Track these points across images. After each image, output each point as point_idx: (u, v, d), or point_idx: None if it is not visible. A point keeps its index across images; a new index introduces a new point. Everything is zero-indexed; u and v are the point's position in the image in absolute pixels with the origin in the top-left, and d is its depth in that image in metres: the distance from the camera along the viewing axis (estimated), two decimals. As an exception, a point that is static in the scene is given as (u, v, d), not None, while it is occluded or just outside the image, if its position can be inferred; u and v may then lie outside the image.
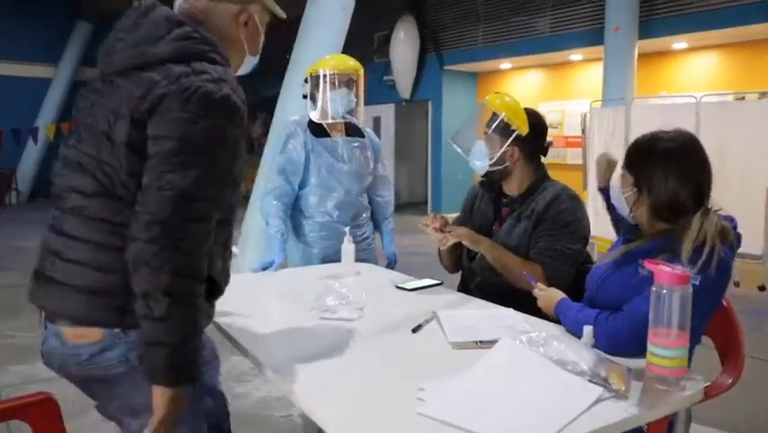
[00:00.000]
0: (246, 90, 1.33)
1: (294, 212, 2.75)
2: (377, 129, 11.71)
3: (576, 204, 2.10)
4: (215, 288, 1.34)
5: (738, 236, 1.55)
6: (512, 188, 2.20)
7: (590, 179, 7.02)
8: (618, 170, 1.71)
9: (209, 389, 1.53)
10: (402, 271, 2.55)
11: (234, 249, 1.60)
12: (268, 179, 2.71)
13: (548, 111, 9.63)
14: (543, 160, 2.22)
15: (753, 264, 5.70)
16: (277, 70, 5.98)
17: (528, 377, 1.27)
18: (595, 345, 1.43)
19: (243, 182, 1.42)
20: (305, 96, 2.71)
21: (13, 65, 13.52)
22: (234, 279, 1.47)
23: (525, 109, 2.16)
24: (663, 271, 1.25)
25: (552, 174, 2.22)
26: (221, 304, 1.44)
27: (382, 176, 2.92)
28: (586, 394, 1.20)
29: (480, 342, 1.53)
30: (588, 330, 1.42)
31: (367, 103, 2.92)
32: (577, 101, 9.47)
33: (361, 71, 2.72)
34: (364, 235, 2.82)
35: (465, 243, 2.16)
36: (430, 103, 11.52)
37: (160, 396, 1.20)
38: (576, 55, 9.56)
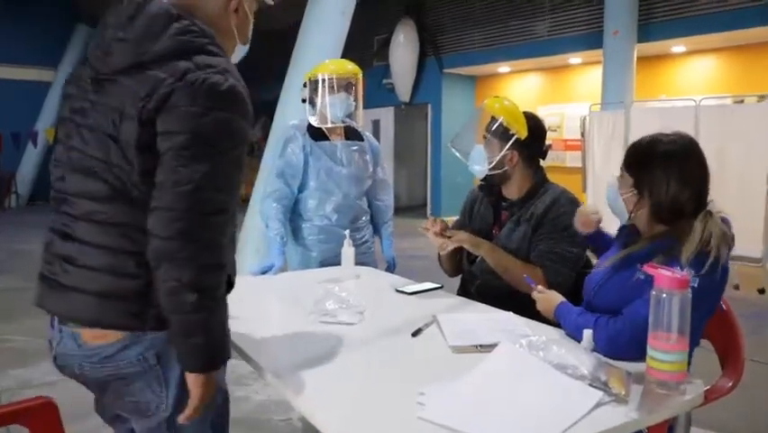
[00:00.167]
0: None
1: (293, 215, 2.75)
2: (376, 132, 11.72)
3: (576, 207, 2.09)
4: (228, 281, 1.35)
5: (732, 238, 1.56)
6: (511, 191, 2.20)
7: (590, 181, 7.04)
8: (617, 172, 1.71)
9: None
10: (402, 275, 2.55)
11: None
12: (267, 182, 2.72)
13: (547, 114, 9.65)
14: (542, 163, 2.22)
15: (752, 267, 5.71)
16: (276, 74, 6.00)
17: (528, 381, 1.27)
18: (595, 349, 1.43)
19: (243, 185, 1.42)
20: (304, 101, 2.72)
21: (12, 68, 13.55)
22: (234, 282, 1.47)
23: (524, 113, 2.17)
24: (663, 275, 1.25)
25: (551, 177, 2.23)
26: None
27: (382, 180, 2.92)
28: (586, 398, 1.20)
29: (480, 346, 1.53)
30: (588, 334, 1.42)
31: (366, 106, 2.93)
32: (576, 104, 9.49)
33: (360, 75, 2.72)
34: (364, 239, 2.82)
35: (466, 246, 2.16)
36: (429, 106, 11.53)
37: (195, 382, 1.23)
38: (575, 58, 9.58)
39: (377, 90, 11.31)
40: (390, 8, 11.20)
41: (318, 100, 2.66)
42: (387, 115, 12.18)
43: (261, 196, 2.71)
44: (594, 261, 1.92)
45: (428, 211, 11.66)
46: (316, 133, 2.71)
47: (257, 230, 2.71)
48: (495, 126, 2.14)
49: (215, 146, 1.20)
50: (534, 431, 1.13)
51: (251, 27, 1.48)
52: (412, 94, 11.49)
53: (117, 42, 1.27)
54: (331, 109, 2.65)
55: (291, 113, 5.05)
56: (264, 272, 2.51)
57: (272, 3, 1.53)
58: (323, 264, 2.70)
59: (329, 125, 2.69)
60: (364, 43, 11.48)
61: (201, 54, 1.25)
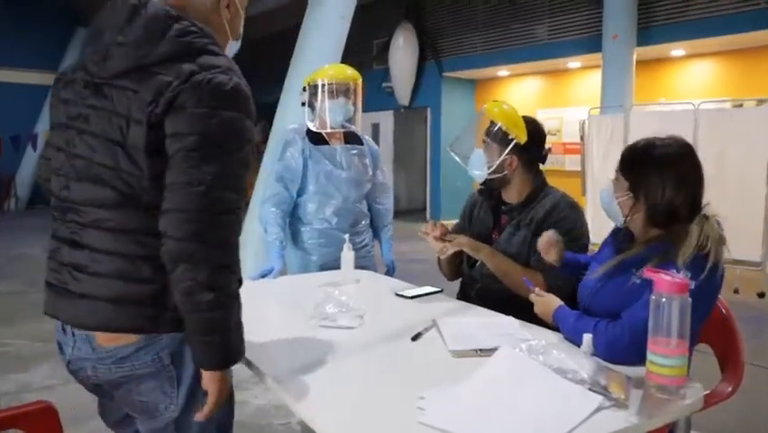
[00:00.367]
0: None
1: (292, 219, 2.75)
2: (375, 136, 11.73)
3: (575, 212, 2.10)
4: (239, 278, 1.35)
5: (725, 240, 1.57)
6: (511, 195, 2.20)
7: (589, 185, 7.04)
8: (611, 175, 1.71)
9: None
10: (401, 278, 2.55)
11: None
12: (266, 186, 2.72)
13: (546, 118, 9.66)
14: (541, 167, 2.23)
15: (752, 271, 5.71)
16: (276, 77, 6.01)
17: (528, 386, 1.27)
18: (594, 354, 1.43)
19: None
20: (303, 104, 2.72)
21: (12, 72, 13.56)
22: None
23: (524, 117, 2.17)
24: (663, 280, 1.25)
25: (550, 181, 2.23)
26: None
27: (381, 183, 2.92)
28: (586, 403, 1.20)
29: (480, 350, 1.53)
30: (587, 338, 1.42)
31: (366, 110, 2.93)
32: (575, 108, 9.50)
33: (360, 80, 2.73)
34: (363, 243, 2.82)
35: (466, 250, 2.16)
36: (429, 109, 11.55)
37: (211, 379, 1.25)
38: (574, 62, 9.60)
39: (376, 94, 11.32)
40: (390, 12, 11.22)
41: (317, 105, 2.67)
42: (386, 119, 12.19)
43: (260, 200, 2.71)
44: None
45: (428, 215, 11.67)
46: (316, 137, 2.71)
47: (256, 234, 2.71)
48: (494, 131, 2.14)
49: (224, 146, 1.21)
50: (535, 436, 1.13)
51: (242, 23, 1.48)
52: (411, 97, 11.51)
53: (116, 47, 1.26)
54: (330, 114, 2.65)
55: (291, 116, 5.05)
56: (264, 276, 2.51)
57: None
58: (323, 268, 2.70)
59: (328, 130, 2.70)
60: (364, 47, 11.51)
61: (204, 55, 1.26)
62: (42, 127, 13.28)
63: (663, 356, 1.25)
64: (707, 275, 1.44)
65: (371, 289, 2.33)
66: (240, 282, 1.30)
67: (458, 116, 11.06)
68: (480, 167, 2.17)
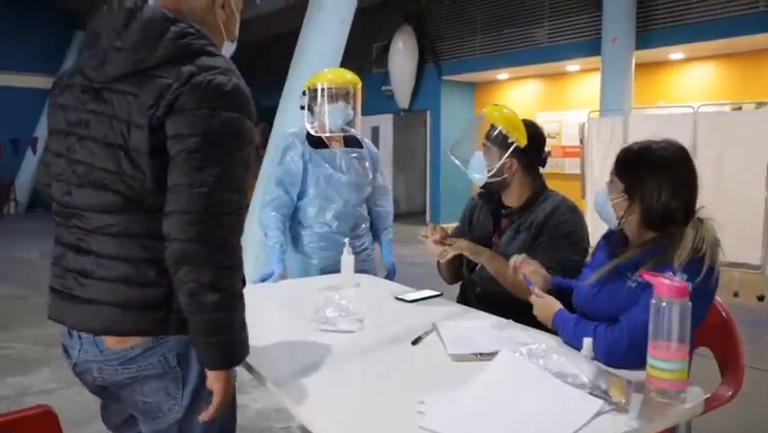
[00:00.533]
0: None
1: (292, 223, 2.75)
2: (375, 139, 11.73)
3: (576, 216, 2.10)
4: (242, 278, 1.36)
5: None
6: (511, 199, 2.20)
7: (589, 188, 7.05)
8: (606, 177, 1.71)
9: None
10: (401, 282, 2.55)
11: None
12: (266, 190, 2.72)
13: (546, 121, 9.67)
14: (540, 170, 2.23)
15: (752, 274, 5.71)
16: (276, 80, 6.01)
17: (528, 390, 1.27)
18: (595, 358, 1.43)
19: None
20: (303, 108, 2.73)
21: (12, 75, 13.56)
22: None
23: (524, 121, 2.17)
24: (663, 284, 1.25)
25: (550, 184, 2.23)
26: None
27: (381, 186, 2.92)
28: (586, 407, 1.20)
29: (480, 354, 1.53)
30: (587, 342, 1.42)
31: (365, 113, 2.93)
32: (574, 111, 9.50)
33: (359, 84, 2.73)
34: (363, 246, 2.82)
35: (466, 254, 2.16)
36: (428, 113, 11.55)
37: (217, 379, 1.26)
38: (573, 65, 9.61)
39: (376, 97, 11.33)
40: (389, 15, 11.23)
41: (317, 109, 2.67)
42: (386, 122, 12.20)
43: (260, 204, 2.71)
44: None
45: (427, 218, 11.67)
46: (316, 141, 2.72)
47: (256, 237, 2.71)
48: (494, 134, 2.14)
49: (224, 147, 1.21)
50: (535, 440, 1.13)
51: (237, 24, 1.49)
52: (411, 101, 11.51)
53: (114, 51, 1.26)
54: (330, 118, 2.66)
55: (290, 120, 5.06)
56: (264, 280, 2.51)
57: (258, 1, 1.53)
58: (323, 272, 2.70)
59: (328, 134, 2.70)
60: (363, 50, 11.52)
61: (202, 56, 1.26)
62: (42, 131, 13.27)
63: (664, 360, 1.25)
64: (702, 278, 1.44)
65: (371, 292, 2.33)
66: (243, 282, 1.31)
67: (457, 119, 11.06)
68: (479, 170, 2.17)
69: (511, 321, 1.80)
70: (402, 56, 10.96)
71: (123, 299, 1.26)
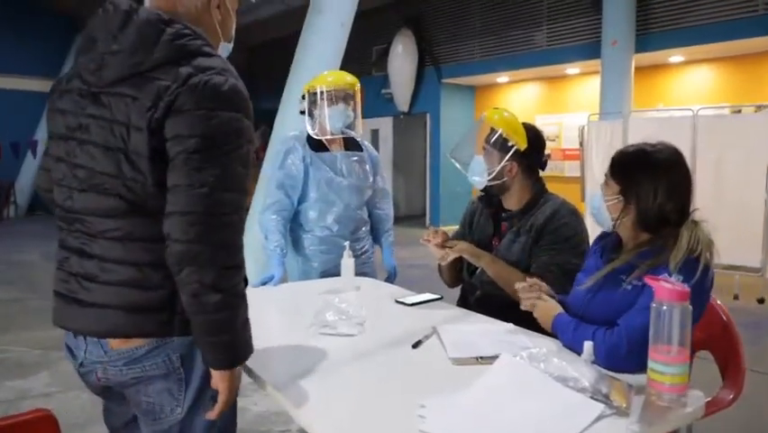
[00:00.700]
0: None
1: (293, 226, 2.75)
2: (375, 142, 11.74)
3: (576, 219, 2.10)
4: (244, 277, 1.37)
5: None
6: (511, 202, 2.20)
7: (588, 191, 7.05)
8: (601, 178, 1.72)
9: None
10: (401, 284, 2.55)
11: None
12: (267, 194, 2.72)
13: (545, 124, 9.68)
14: (540, 173, 2.23)
15: (752, 277, 5.70)
16: (276, 83, 6.02)
17: (529, 394, 1.27)
18: (595, 361, 1.43)
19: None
20: (302, 113, 2.73)
21: (12, 79, 13.58)
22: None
23: (523, 124, 2.18)
24: (663, 288, 1.25)
25: (550, 187, 2.23)
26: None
27: (381, 189, 2.93)
28: (587, 411, 1.20)
29: (481, 358, 1.52)
30: (588, 346, 1.42)
31: (365, 116, 2.94)
32: (574, 114, 9.52)
33: (358, 87, 2.73)
34: (364, 249, 2.82)
35: (466, 257, 2.16)
36: (428, 116, 11.56)
37: (221, 378, 1.27)
38: (573, 68, 9.62)
39: (376, 100, 11.35)
40: (389, 19, 11.26)
41: (317, 112, 2.67)
42: (386, 125, 12.21)
43: (261, 208, 2.71)
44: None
45: (427, 220, 11.67)
46: (316, 144, 2.72)
47: (257, 240, 2.70)
48: (494, 137, 2.14)
49: (224, 147, 1.22)
50: (536, 444, 1.12)
51: (233, 24, 1.49)
52: (411, 103, 11.52)
53: (111, 55, 1.26)
54: (330, 121, 2.66)
55: (291, 123, 5.06)
56: (264, 284, 2.51)
57: (253, 0, 1.54)
58: (324, 275, 2.70)
59: (329, 137, 2.70)
60: (363, 53, 11.54)
61: (198, 57, 1.26)
62: (42, 134, 13.27)
63: (664, 364, 1.25)
64: (698, 278, 1.45)
65: (371, 296, 2.33)
66: (246, 282, 1.31)
67: (457, 122, 11.08)
68: (480, 173, 2.17)
69: (511, 325, 1.80)
70: (402, 59, 10.98)
71: (127, 302, 1.27)
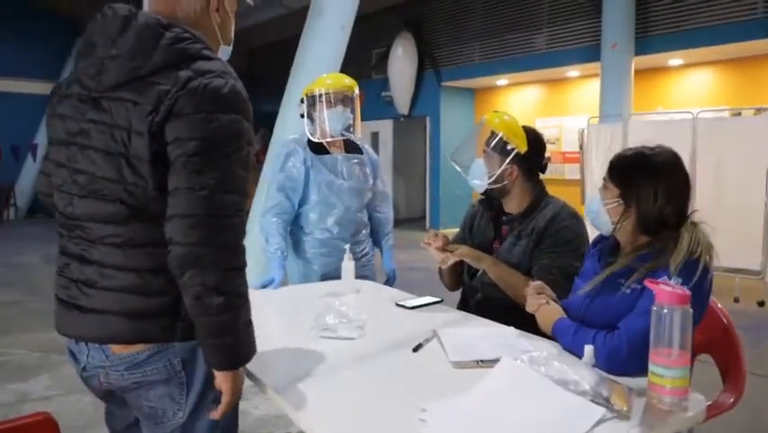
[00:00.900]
0: None
1: (293, 229, 2.75)
2: (375, 144, 11.75)
3: (576, 222, 2.10)
4: None
5: None
6: (512, 206, 2.20)
7: (588, 194, 7.05)
8: (601, 181, 1.71)
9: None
10: (401, 287, 2.55)
11: None
12: (267, 196, 2.72)
13: (545, 127, 9.68)
14: (540, 175, 2.23)
15: (752, 280, 5.70)
16: (276, 85, 6.02)
17: (530, 398, 1.27)
18: (595, 365, 1.43)
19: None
20: (302, 116, 2.74)
21: (12, 81, 13.58)
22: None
23: (523, 127, 2.18)
24: (664, 291, 1.25)
25: (549, 190, 2.23)
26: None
27: (381, 192, 2.93)
28: (588, 415, 1.20)
29: (481, 361, 1.52)
30: (589, 349, 1.42)
31: (365, 118, 2.95)
32: (574, 117, 9.52)
33: (357, 89, 2.74)
34: (364, 252, 2.82)
35: (467, 261, 2.16)
36: (428, 118, 11.57)
37: (224, 379, 1.27)
38: (573, 71, 9.63)
39: (376, 103, 11.36)
40: (389, 22, 11.28)
41: (316, 115, 2.68)
42: (386, 128, 12.22)
43: (262, 210, 2.71)
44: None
45: (427, 223, 11.67)
46: (316, 147, 2.72)
47: (257, 243, 2.70)
48: (495, 141, 2.14)
49: (224, 149, 1.22)
50: (537, 448, 1.12)
51: (233, 27, 1.49)
52: (411, 106, 11.53)
53: (110, 60, 1.26)
54: (329, 123, 2.66)
55: (291, 126, 5.07)
56: (265, 286, 2.51)
57: (252, 4, 1.54)
58: (324, 277, 2.70)
59: (328, 139, 2.70)
60: (363, 56, 11.56)
61: (198, 60, 1.26)
62: (42, 138, 13.28)
63: (665, 367, 1.25)
64: (697, 281, 1.45)
65: (372, 299, 2.33)
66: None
67: (457, 125, 11.09)
68: (480, 177, 2.17)
69: (512, 328, 1.80)
70: (402, 62, 10.99)
71: (128, 308, 1.27)
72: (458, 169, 2.29)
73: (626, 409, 1.22)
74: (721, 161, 5.80)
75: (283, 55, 7.33)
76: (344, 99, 2.69)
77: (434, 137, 11.46)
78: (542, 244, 2.07)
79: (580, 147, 7.41)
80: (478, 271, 2.19)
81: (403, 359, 1.62)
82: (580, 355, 1.45)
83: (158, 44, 1.24)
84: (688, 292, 1.26)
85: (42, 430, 1.46)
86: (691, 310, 1.25)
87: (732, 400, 1.73)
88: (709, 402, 1.45)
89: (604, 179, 1.69)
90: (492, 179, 2.15)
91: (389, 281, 2.86)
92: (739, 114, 7.34)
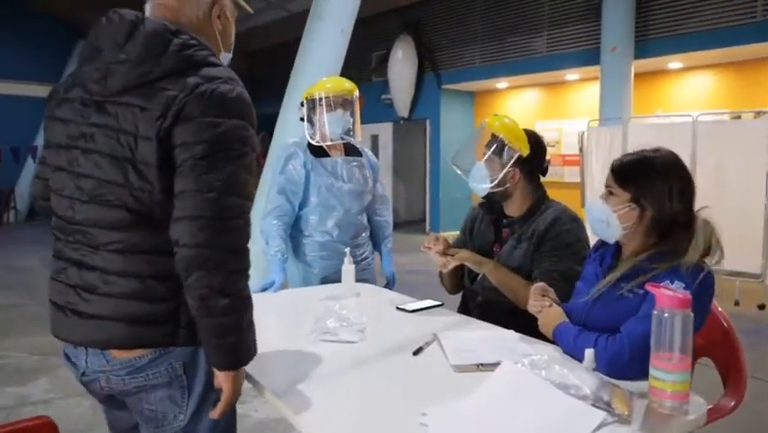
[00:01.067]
0: None
1: (293, 232, 2.76)
2: (375, 147, 11.76)
3: (577, 225, 2.10)
4: None
5: None
6: (512, 209, 2.20)
7: (588, 196, 7.06)
8: (602, 184, 1.71)
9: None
10: (401, 290, 2.54)
11: None
12: (268, 199, 2.72)
13: (545, 130, 9.69)
14: (540, 178, 2.23)
15: (752, 283, 5.70)
16: (276, 89, 6.03)
17: (531, 402, 1.27)
18: (596, 369, 1.43)
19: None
20: (302, 119, 2.74)
21: (12, 84, 13.59)
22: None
23: (524, 130, 2.18)
24: (664, 295, 1.25)
25: (550, 192, 2.23)
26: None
27: (381, 195, 2.93)
28: (589, 419, 1.20)
29: (482, 365, 1.52)
30: (589, 353, 1.42)
31: (365, 121, 2.95)
32: (574, 120, 9.53)
33: (356, 93, 2.74)
34: (363, 255, 2.82)
35: (468, 265, 2.16)
36: (428, 121, 11.58)
37: (226, 378, 1.28)
38: (573, 74, 9.64)
39: (375, 105, 11.36)
40: (389, 25, 11.29)
41: (316, 118, 2.69)
42: (386, 131, 12.23)
43: (262, 213, 2.71)
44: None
45: (427, 226, 11.67)
46: (317, 150, 2.73)
47: (257, 246, 2.71)
48: (496, 144, 2.14)
49: (230, 153, 1.23)
50: (538, 452, 1.12)
51: (233, 34, 1.50)
52: (411, 109, 11.54)
53: (117, 64, 1.26)
54: (329, 127, 2.67)
55: (291, 129, 5.07)
56: (264, 290, 2.50)
57: (251, 11, 1.56)
58: (324, 280, 2.70)
59: (329, 142, 2.71)
60: (363, 59, 11.57)
61: (205, 67, 1.28)
62: (42, 140, 13.28)
63: (666, 372, 1.25)
64: (701, 285, 1.45)
65: (372, 302, 2.32)
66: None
67: (457, 128, 11.09)
68: (482, 180, 2.17)
69: (513, 332, 1.80)
70: (402, 65, 11.00)
71: (129, 314, 1.27)
72: (459, 172, 2.29)
73: (626, 413, 1.22)
74: (721, 164, 5.81)
75: (283, 58, 7.35)
76: (344, 103, 2.70)
77: (434, 140, 11.46)
78: (542, 248, 2.07)
79: (580, 150, 7.42)
80: (478, 274, 2.19)
81: (403, 363, 1.62)
82: (581, 360, 1.45)
83: (166, 50, 1.26)
84: (689, 296, 1.25)
85: (42, 434, 1.45)
86: (692, 314, 1.25)
87: (733, 404, 1.72)
88: (710, 406, 1.45)
89: (609, 186, 1.66)
90: (495, 183, 2.15)
91: (389, 285, 2.86)
92: (739, 117, 7.35)
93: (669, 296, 1.25)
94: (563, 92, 10.28)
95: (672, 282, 1.44)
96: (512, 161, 2.12)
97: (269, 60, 13.23)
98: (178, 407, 1.33)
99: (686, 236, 1.53)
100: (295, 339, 1.82)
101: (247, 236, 1.27)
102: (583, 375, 1.33)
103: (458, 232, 2.45)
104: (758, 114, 6.72)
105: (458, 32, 10.74)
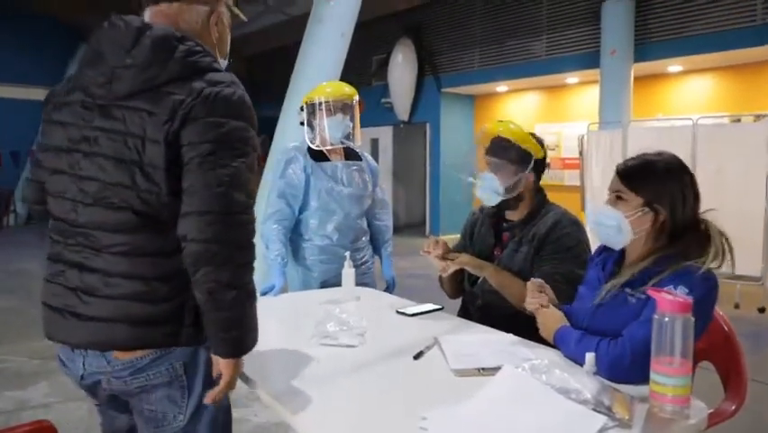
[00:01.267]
0: None
1: (293, 235, 2.76)
2: (375, 151, 11.75)
3: (578, 229, 2.09)
4: None
5: None
6: (514, 213, 2.19)
7: (588, 200, 7.06)
8: (606, 189, 1.69)
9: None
10: (401, 294, 2.54)
11: None
12: (268, 203, 2.72)
13: (545, 133, 9.69)
14: (540, 182, 2.22)
15: (752, 286, 5.70)
16: (276, 92, 6.04)
17: (531, 406, 1.26)
18: (597, 373, 1.43)
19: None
20: (302, 124, 2.74)
21: (13, 87, 13.59)
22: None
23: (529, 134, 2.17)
24: (665, 300, 1.25)
25: (549, 196, 2.22)
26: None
27: (381, 199, 2.93)
28: (590, 423, 1.19)
29: (482, 369, 1.52)
30: (590, 357, 1.42)
31: (365, 125, 2.95)
32: (573, 123, 9.54)
33: (356, 97, 2.75)
34: (363, 259, 2.82)
35: (468, 269, 2.16)
36: (428, 125, 11.58)
37: (227, 366, 1.30)
38: (572, 78, 9.65)
39: (375, 109, 11.36)
40: (389, 28, 11.30)
41: (316, 123, 2.69)
42: (386, 134, 12.23)
43: (262, 217, 2.71)
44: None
45: (427, 230, 11.66)
46: (316, 154, 2.73)
47: (257, 250, 2.71)
48: (511, 151, 2.09)
49: (236, 151, 1.26)
50: (538, 457, 1.12)
51: (229, 41, 1.53)
52: (410, 113, 11.55)
53: (123, 69, 1.28)
54: (329, 131, 2.67)
55: (291, 132, 5.07)
56: (265, 293, 2.50)
57: (246, 19, 1.61)
58: (324, 284, 2.70)
59: (328, 147, 2.71)
60: (363, 63, 11.58)
61: (209, 72, 1.31)
62: (41, 143, 13.28)
63: (666, 376, 1.25)
64: (705, 290, 1.46)
65: (372, 306, 2.32)
66: None
67: (457, 132, 11.10)
68: (494, 189, 2.10)
69: (513, 336, 1.79)
70: (401, 69, 11.01)
71: (131, 315, 1.28)
72: (473, 181, 2.17)
73: (627, 417, 1.22)
74: (721, 168, 5.81)
75: (283, 62, 7.35)
76: (344, 107, 2.70)
77: (434, 143, 11.47)
78: (543, 251, 2.07)
79: (580, 153, 7.42)
80: (478, 278, 2.18)
81: (404, 367, 1.62)
82: (582, 364, 1.45)
83: (172, 56, 1.29)
84: (689, 300, 1.25)
85: (42, 438, 1.45)
86: (693, 319, 1.24)
87: (733, 407, 1.72)
88: (711, 410, 1.45)
89: (618, 190, 1.61)
90: (512, 190, 2.10)
91: (389, 289, 2.86)
92: (739, 120, 7.35)
93: (670, 300, 1.25)
94: (563, 95, 10.29)
95: (676, 288, 1.42)
96: (530, 166, 2.09)
97: (269, 64, 13.24)
98: (178, 407, 1.35)
99: (694, 239, 1.53)
100: (295, 343, 1.82)
101: (253, 231, 1.29)
102: (584, 379, 1.33)
103: (458, 235, 2.44)
104: (758, 117, 6.72)
105: (458, 35, 10.75)
